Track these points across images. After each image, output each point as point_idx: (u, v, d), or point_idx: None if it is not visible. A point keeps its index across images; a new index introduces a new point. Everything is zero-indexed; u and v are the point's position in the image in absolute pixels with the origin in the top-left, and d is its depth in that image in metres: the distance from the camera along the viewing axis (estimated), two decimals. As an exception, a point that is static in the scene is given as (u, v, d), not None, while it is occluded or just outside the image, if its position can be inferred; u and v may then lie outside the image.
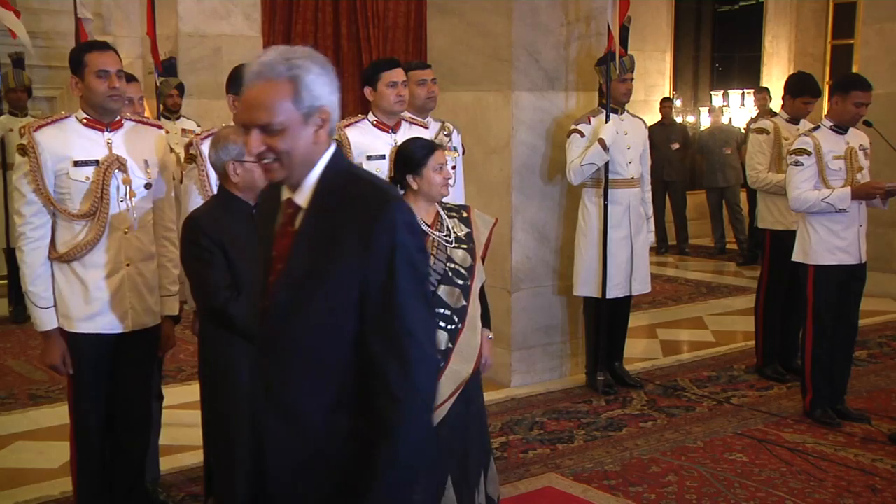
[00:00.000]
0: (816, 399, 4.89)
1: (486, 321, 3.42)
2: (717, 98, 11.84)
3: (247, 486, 3.06)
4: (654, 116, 10.86)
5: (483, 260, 3.47)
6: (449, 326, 3.23)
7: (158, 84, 7.52)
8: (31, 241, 3.27)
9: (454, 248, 3.28)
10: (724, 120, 10.94)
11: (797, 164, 4.74)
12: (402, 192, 3.32)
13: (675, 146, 10.40)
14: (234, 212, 3.09)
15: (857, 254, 4.78)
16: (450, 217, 3.37)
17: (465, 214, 3.42)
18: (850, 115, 4.79)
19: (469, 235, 3.37)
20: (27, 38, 6.42)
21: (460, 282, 3.26)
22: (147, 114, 5.27)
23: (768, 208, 5.64)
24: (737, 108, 11.61)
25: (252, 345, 3.01)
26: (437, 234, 3.28)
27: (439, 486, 3.23)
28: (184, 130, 7.31)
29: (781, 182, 5.47)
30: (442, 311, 3.22)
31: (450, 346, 3.22)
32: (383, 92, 3.90)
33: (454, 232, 3.33)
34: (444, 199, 3.42)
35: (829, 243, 4.74)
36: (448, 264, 3.25)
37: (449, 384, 3.23)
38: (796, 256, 4.88)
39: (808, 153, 4.72)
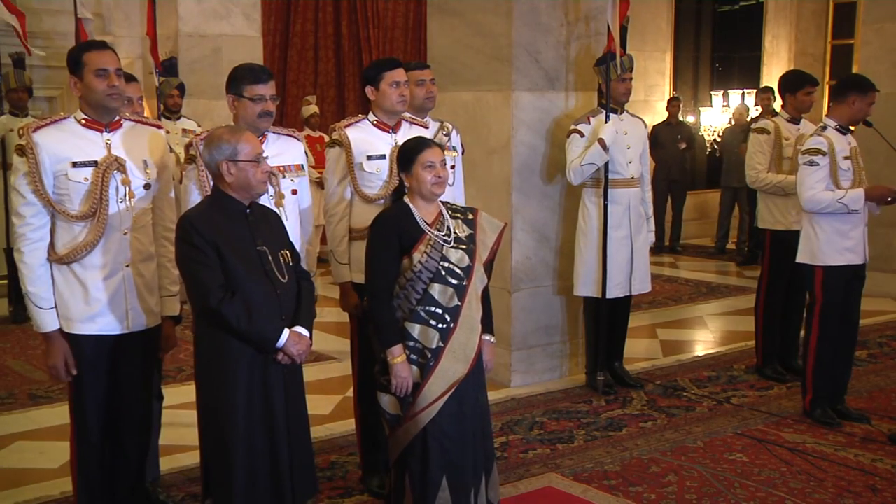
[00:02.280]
0: (816, 399, 4.89)
1: (488, 325, 3.42)
2: (717, 98, 11.83)
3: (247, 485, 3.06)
4: (654, 116, 10.85)
5: (492, 263, 3.47)
6: (440, 325, 3.23)
7: (159, 84, 7.53)
8: (29, 243, 3.26)
9: (451, 247, 3.29)
10: (725, 120, 10.92)
11: (812, 163, 4.68)
12: (405, 191, 3.35)
13: (683, 146, 10.40)
14: (228, 212, 3.09)
15: (863, 253, 4.79)
16: (453, 217, 3.38)
17: (470, 216, 3.43)
18: (863, 115, 4.81)
19: (471, 237, 3.37)
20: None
21: (454, 281, 3.26)
22: (147, 114, 5.26)
23: (768, 208, 5.63)
24: (749, 107, 11.58)
25: (246, 344, 3.04)
26: (436, 232, 3.29)
27: (433, 487, 3.24)
28: (184, 130, 7.32)
29: (781, 182, 5.46)
30: (433, 309, 3.23)
31: (440, 344, 3.23)
32: (386, 91, 3.89)
33: (455, 232, 3.33)
34: (450, 201, 3.44)
35: (837, 244, 4.72)
36: (441, 263, 3.25)
37: (440, 383, 3.23)
38: (802, 258, 4.83)
39: (824, 153, 4.67)
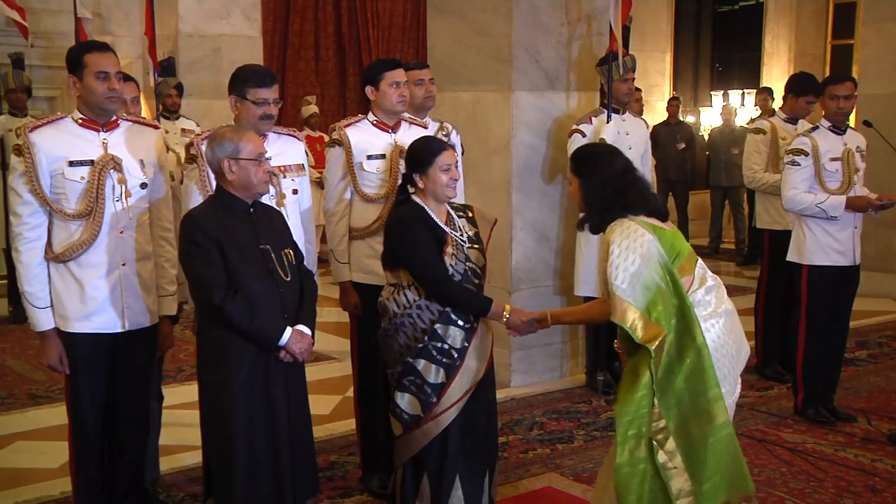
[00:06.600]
0: (808, 398, 4.90)
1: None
2: (717, 98, 11.83)
3: (248, 485, 3.06)
4: (654, 116, 10.85)
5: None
6: (466, 325, 3.24)
7: (157, 84, 7.52)
8: (27, 242, 3.27)
9: (469, 247, 3.30)
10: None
11: (794, 164, 4.73)
12: (411, 190, 3.34)
13: (681, 146, 10.41)
14: (232, 210, 3.09)
15: (852, 255, 4.79)
16: (458, 217, 3.39)
17: (470, 214, 3.44)
18: (833, 111, 4.78)
19: (477, 235, 3.39)
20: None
21: (476, 281, 3.30)
22: (145, 114, 5.27)
23: (766, 209, 5.64)
24: (736, 108, 11.60)
25: (249, 342, 3.04)
26: (455, 233, 3.30)
27: (448, 486, 3.24)
28: (184, 130, 7.31)
29: (778, 182, 5.46)
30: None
31: (465, 344, 3.25)
32: (386, 91, 3.90)
33: (465, 231, 3.35)
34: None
35: (824, 244, 4.74)
36: (467, 264, 3.27)
37: (464, 382, 3.24)
38: (791, 256, 4.88)
39: (806, 154, 4.71)
